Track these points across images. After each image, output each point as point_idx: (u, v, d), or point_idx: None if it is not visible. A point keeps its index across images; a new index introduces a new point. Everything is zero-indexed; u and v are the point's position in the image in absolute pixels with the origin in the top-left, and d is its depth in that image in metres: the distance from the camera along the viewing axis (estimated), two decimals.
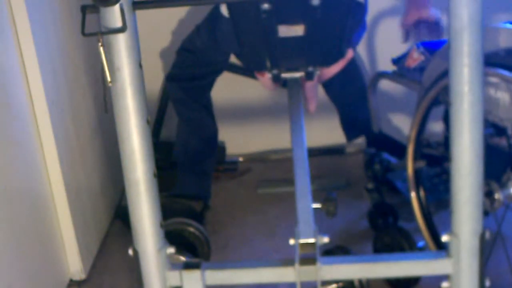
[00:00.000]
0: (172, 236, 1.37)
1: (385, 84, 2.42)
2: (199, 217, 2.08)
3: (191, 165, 2.17)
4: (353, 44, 1.64)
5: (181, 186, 2.16)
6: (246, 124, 2.31)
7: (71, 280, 1.91)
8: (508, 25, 1.61)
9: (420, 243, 1.80)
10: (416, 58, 1.85)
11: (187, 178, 2.17)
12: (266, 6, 1.38)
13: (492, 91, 1.59)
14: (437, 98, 1.70)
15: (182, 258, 1.61)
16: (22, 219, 1.65)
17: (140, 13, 1.16)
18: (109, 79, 1.14)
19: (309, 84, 1.74)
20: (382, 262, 1.33)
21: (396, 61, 1.93)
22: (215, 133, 2.21)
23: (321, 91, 1.86)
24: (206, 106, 2.16)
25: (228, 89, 2.40)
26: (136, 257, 1.28)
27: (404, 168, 1.77)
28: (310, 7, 1.38)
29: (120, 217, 2.19)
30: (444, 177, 1.88)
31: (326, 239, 1.29)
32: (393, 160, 2.04)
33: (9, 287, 1.55)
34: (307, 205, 1.37)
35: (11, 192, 1.60)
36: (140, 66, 1.18)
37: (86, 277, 1.92)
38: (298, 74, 1.68)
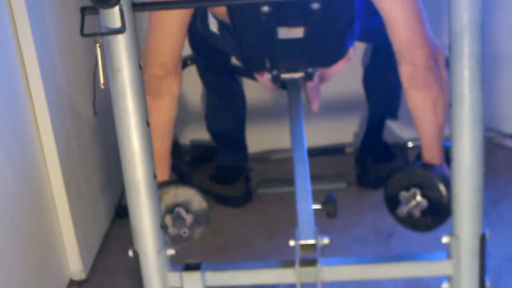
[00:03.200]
0: None
1: None
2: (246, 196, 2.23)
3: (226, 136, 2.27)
4: (355, 36, 1.63)
5: (222, 158, 2.26)
6: (246, 124, 2.31)
7: (71, 280, 1.91)
8: None
9: None
10: None
11: (225, 150, 2.26)
12: (265, 9, 1.38)
13: None
14: None
15: None
16: (22, 219, 1.65)
17: (140, 14, 1.16)
18: (102, 81, 1.13)
19: (311, 85, 1.74)
20: (382, 263, 1.33)
21: None
22: (243, 100, 2.26)
23: (323, 91, 1.85)
24: (231, 73, 2.21)
25: None
26: (136, 259, 1.28)
27: None
28: (310, 11, 1.38)
29: (123, 216, 2.19)
30: None
31: (326, 240, 1.30)
32: None
33: (9, 287, 1.55)
34: (307, 206, 1.38)
35: (11, 192, 1.60)
36: (140, 67, 1.18)
37: (86, 277, 1.92)
38: (297, 75, 1.68)
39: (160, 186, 1.51)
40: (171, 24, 1.48)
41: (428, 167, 1.55)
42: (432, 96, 1.51)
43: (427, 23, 1.49)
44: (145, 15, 1.35)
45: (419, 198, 1.50)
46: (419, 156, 1.66)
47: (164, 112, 1.57)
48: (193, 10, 1.51)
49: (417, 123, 1.56)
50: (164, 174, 1.57)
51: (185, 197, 1.50)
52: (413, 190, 1.51)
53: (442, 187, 1.50)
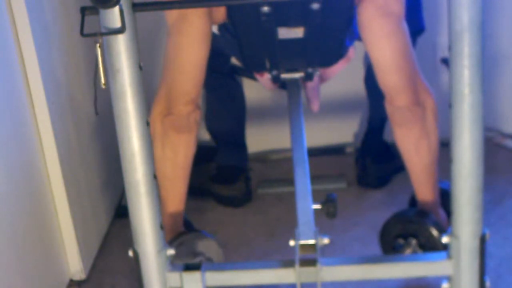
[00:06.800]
0: None
1: None
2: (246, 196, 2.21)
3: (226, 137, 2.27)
4: (354, 35, 1.63)
5: (222, 158, 2.26)
6: (246, 124, 2.31)
7: (71, 280, 1.91)
8: None
9: None
10: None
11: (225, 150, 2.26)
12: (266, 9, 1.38)
13: None
14: None
15: None
16: (22, 219, 1.65)
17: (140, 14, 1.16)
18: (103, 81, 1.14)
19: (311, 85, 1.74)
20: (382, 263, 1.33)
21: None
22: (243, 100, 2.27)
23: (323, 91, 1.86)
24: (231, 73, 2.21)
25: None
26: (136, 259, 1.28)
27: None
28: (310, 11, 1.38)
29: (123, 216, 2.19)
30: None
31: (326, 240, 1.30)
32: None
33: (9, 287, 1.55)
34: (307, 206, 1.38)
35: (11, 192, 1.60)
36: (140, 67, 1.18)
37: (86, 277, 1.92)
38: (297, 75, 1.68)
39: (178, 237, 1.56)
40: (196, 60, 1.49)
41: (423, 215, 1.60)
42: (413, 136, 1.56)
43: (417, 66, 1.51)
44: (145, 15, 1.35)
45: (413, 246, 1.59)
46: (414, 198, 1.69)
47: (191, 145, 1.59)
48: (211, 41, 1.51)
49: (403, 160, 1.61)
50: (180, 224, 1.61)
51: (204, 248, 1.56)
52: (408, 239, 1.60)
53: (436, 235, 1.57)
